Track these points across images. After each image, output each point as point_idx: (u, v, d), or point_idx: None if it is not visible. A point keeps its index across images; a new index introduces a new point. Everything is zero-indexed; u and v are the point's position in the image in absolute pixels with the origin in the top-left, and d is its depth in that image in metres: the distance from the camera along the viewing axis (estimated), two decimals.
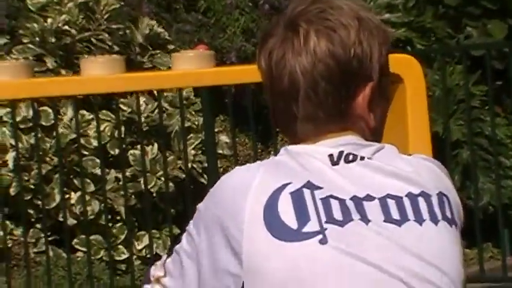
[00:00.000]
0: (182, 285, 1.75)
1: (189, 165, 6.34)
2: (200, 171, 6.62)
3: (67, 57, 6.15)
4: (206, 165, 6.28)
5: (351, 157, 1.71)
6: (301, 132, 1.73)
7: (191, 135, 6.68)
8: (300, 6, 1.72)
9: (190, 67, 2.66)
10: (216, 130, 6.46)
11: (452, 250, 1.72)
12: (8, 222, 6.24)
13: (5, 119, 6.54)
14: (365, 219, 1.67)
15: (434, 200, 1.72)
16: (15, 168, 6.26)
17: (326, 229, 1.65)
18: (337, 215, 1.67)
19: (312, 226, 1.65)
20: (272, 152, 7.05)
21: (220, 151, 6.64)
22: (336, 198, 1.69)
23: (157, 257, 3.11)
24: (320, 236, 1.65)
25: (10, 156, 6.41)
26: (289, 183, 1.66)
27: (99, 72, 2.62)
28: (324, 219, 1.65)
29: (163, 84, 3.25)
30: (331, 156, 1.69)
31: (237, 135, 6.74)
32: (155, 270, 1.81)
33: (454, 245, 1.73)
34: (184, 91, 6.38)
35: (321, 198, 1.67)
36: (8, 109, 6.15)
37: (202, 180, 6.72)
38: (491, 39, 6.92)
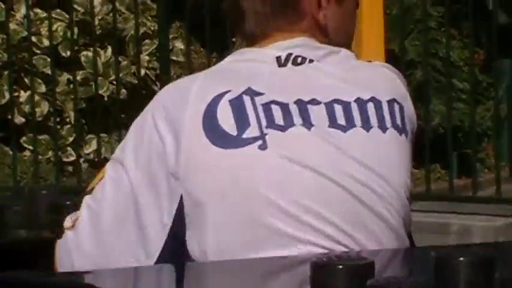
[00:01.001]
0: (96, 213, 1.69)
1: (142, 71, 6.33)
2: (153, 78, 6.53)
3: None
4: (159, 71, 6.23)
5: (299, 59, 1.67)
6: (249, 31, 1.68)
7: (146, 40, 6.60)
8: None
9: None
10: (171, 36, 6.37)
11: (399, 159, 1.68)
12: None
13: None
14: (308, 124, 1.64)
15: (385, 107, 1.68)
16: None
17: (266, 134, 1.62)
18: (279, 120, 1.63)
19: (251, 132, 1.61)
20: None
21: (175, 58, 6.55)
22: (278, 103, 1.65)
23: (105, 160, 3.09)
24: (260, 142, 1.61)
25: None
26: (229, 91, 1.63)
27: None
28: (264, 124, 1.62)
29: None
30: (278, 58, 1.66)
31: (193, 43, 6.67)
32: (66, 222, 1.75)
33: (402, 154, 1.69)
34: None
35: (261, 104, 1.64)
36: None
37: (155, 87, 6.55)
38: None
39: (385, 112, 1.69)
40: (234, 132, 1.63)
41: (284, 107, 1.65)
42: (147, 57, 6.57)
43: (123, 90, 6.22)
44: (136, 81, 6.26)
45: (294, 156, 1.62)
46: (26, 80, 6.25)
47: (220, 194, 1.63)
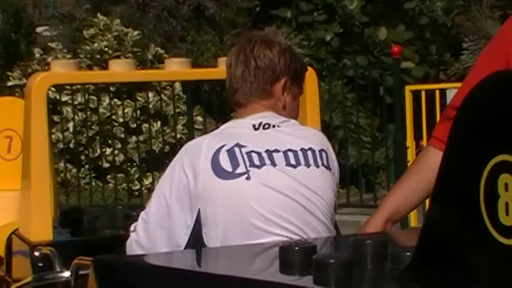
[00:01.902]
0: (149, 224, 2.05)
1: (178, 135, 7.86)
2: (185, 139, 7.76)
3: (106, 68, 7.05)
4: (188, 135, 7.43)
5: (266, 126, 2.07)
6: (238, 101, 2.10)
7: (180, 117, 8.13)
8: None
9: (176, 68, 2.86)
10: (194, 114, 7.79)
11: (328, 185, 2.09)
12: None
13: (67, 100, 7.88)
14: (273, 164, 2.02)
15: (318, 153, 2.07)
16: (73, 132, 7.75)
17: (249, 171, 2.01)
18: (256, 162, 2.02)
19: (240, 169, 2.01)
20: None
21: (196, 126, 7.90)
22: (255, 152, 2.04)
23: None
24: (246, 175, 2.01)
25: (71, 125, 7.92)
26: (225, 145, 2.01)
27: (121, 69, 2.76)
28: (248, 164, 2.02)
29: (158, 78, 3.68)
30: (254, 125, 2.06)
31: (207, 117, 8.00)
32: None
33: (329, 181, 2.09)
34: (176, 90, 7.87)
35: (246, 152, 2.02)
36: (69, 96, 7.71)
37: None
38: (358, 67, 8.52)
39: (317, 157, 2.07)
40: (230, 170, 1.99)
41: (259, 154, 2.02)
42: (180, 127, 8.11)
43: (167, 147, 7.75)
44: (174, 141, 7.69)
45: (266, 183, 2.00)
46: (110, 141, 7.81)
47: (224, 207, 2.01)
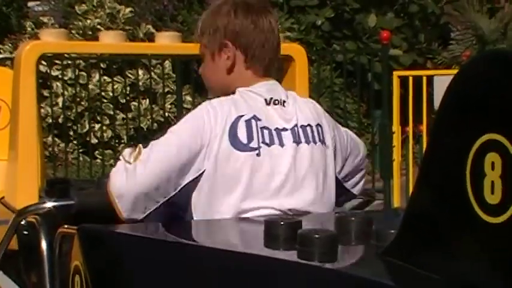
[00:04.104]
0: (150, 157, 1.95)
1: (166, 113, 7.90)
2: (173, 118, 7.86)
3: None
4: (176, 114, 7.39)
5: (276, 102, 2.11)
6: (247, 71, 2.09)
7: (168, 95, 8.15)
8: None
9: (166, 41, 2.78)
10: (183, 93, 7.82)
11: (325, 159, 2.14)
12: None
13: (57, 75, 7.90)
14: (281, 144, 2.07)
15: (315, 129, 2.12)
16: (63, 107, 7.77)
17: (260, 147, 2.04)
18: (266, 139, 2.06)
19: (254, 143, 2.03)
20: None
21: (185, 106, 7.76)
22: (267, 128, 2.06)
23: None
24: (257, 151, 2.04)
25: (60, 100, 7.97)
26: (244, 115, 2.03)
27: (111, 41, 2.69)
28: (260, 140, 2.05)
29: (149, 50, 3.51)
30: (265, 99, 2.10)
31: (196, 97, 7.58)
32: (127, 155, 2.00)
33: (327, 157, 2.15)
34: (166, 69, 7.83)
35: (260, 127, 2.05)
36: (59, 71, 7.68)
37: (173, 123, 7.07)
38: (348, 52, 8.72)
39: (315, 133, 2.11)
40: (245, 141, 2.02)
41: (270, 132, 2.06)
42: (169, 106, 8.15)
43: (155, 124, 7.76)
44: (163, 119, 7.81)
45: (274, 161, 2.06)
46: (98, 118, 7.86)
47: (230, 178, 2.02)
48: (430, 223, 1.29)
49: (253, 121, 2.06)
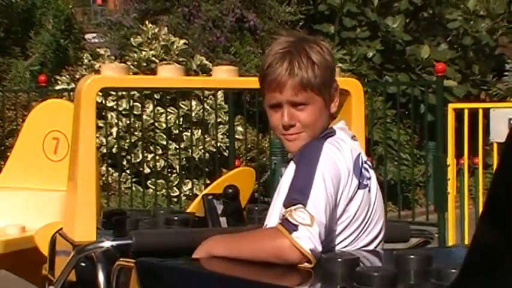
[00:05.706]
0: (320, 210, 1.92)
1: (218, 144, 8.01)
2: (224, 147, 8.16)
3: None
4: (228, 144, 7.65)
5: (354, 137, 2.17)
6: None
7: (220, 126, 8.23)
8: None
9: (224, 76, 2.80)
10: (235, 124, 7.84)
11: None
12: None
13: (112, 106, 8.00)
14: (369, 178, 2.11)
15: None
16: (117, 137, 7.92)
17: (367, 185, 2.10)
18: (365, 173, 2.11)
19: (364, 181, 2.09)
20: (267, 140, 8.25)
21: (237, 136, 8.01)
22: (364, 163, 2.12)
23: (195, 196, 4.06)
24: (368, 188, 2.11)
25: (114, 130, 8.10)
26: (360, 153, 2.11)
27: (170, 75, 2.69)
28: (365, 176, 2.10)
29: (207, 85, 3.48)
30: (352, 136, 2.14)
31: (248, 128, 8.05)
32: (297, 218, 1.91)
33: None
34: (218, 100, 7.92)
35: (361, 164, 2.11)
36: (114, 102, 7.86)
37: (225, 153, 8.02)
38: (401, 84, 8.72)
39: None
40: (360, 180, 2.06)
41: (363, 165, 2.11)
42: (221, 136, 8.22)
43: (207, 154, 7.77)
44: (214, 150, 7.87)
45: (372, 197, 2.12)
46: (151, 148, 7.95)
47: (357, 207, 2.07)
48: (494, 262, 1.26)
49: (360, 160, 2.11)
